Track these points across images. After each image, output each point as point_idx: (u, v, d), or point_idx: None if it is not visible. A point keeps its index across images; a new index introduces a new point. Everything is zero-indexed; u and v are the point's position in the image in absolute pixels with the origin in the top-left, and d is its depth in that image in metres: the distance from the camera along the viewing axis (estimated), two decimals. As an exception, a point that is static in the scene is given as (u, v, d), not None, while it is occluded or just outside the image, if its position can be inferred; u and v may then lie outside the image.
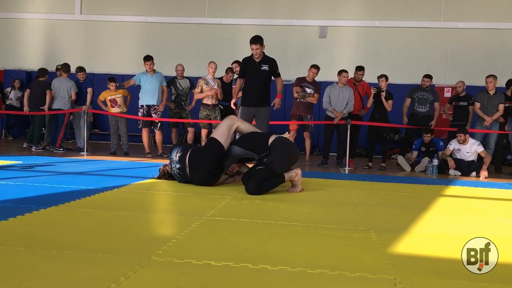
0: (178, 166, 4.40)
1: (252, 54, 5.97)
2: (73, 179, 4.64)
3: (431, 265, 2.17)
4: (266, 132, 4.77)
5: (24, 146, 8.49)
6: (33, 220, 2.73)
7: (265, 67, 5.94)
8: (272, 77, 6.07)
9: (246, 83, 6.07)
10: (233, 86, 7.72)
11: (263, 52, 5.96)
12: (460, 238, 2.78)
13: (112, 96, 8.36)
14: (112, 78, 8.48)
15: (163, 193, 4.10)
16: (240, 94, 6.38)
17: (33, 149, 8.34)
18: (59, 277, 1.79)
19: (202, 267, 1.97)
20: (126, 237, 2.43)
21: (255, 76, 5.96)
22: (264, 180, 4.08)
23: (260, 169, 4.16)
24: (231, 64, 8.35)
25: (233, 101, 6.35)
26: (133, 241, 2.35)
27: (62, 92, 8.35)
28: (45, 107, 8.29)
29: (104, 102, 8.45)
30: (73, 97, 8.38)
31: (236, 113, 6.59)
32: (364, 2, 11.65)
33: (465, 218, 3.51)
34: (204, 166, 4.33)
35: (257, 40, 5.83)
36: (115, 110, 8.35)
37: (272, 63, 5.99)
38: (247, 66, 6.02)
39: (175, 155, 4.45)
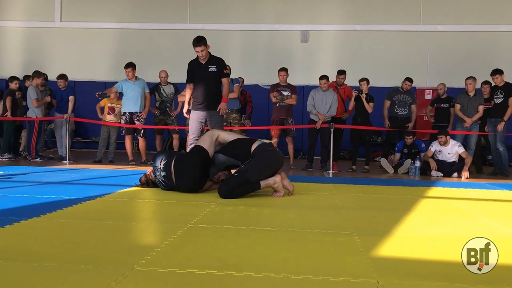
0: (163, 174, 4.37)
1: (197, 56, 5.73)
2: (55, 189, 4.58)
3: (414, 267, 2.19)
4: (250, 138, 4.76)
5: None
6: (14, 232, 2.69)
7: (212, 68, 5.69)
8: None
9: (195, 87, 5.80)
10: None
11: (209, 53, 5.74)
12: (443, 240, 2.82)
13: (112, 105, 8.34)
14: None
15: (146, 201, 4.07)
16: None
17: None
18: (40, 290, 1.76)
19: (186, 276, 1.96)
20: (108, 247, 2.41)
21: (204, 79, 5.72)
22: (236, 187, 4.11)
23: (234, 176, 4.21)
24: None
25: (185, 109, 6.01)
26: (116, 251, 2.33)
27: (28, 101, 8.30)
28: (7, 114, 8.31)
29: (102, 109, 8.40)
30: (34, 104, 8.23)
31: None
32: (345, 7, 11.76)
33: (447, 219, 3.55)
34: (191, 173, 4.31)
35: (200, 41, 5.55)
36: (110, 117, 8.35)
37: (219, 62, 5.76)
38: (194, 70, 5.77)
39: (160, 163, 4.41)
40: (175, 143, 8.46)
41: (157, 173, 4.43)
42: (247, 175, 4.15)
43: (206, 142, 4.42)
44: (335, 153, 7.70)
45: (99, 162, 8.00)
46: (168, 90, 8.40)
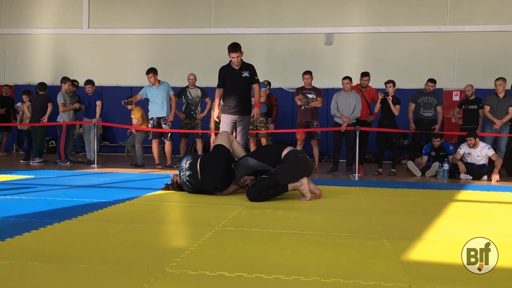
0: (188, 173, 4.45)
1: (230, 62, 5.86)
2: (85, 192, 4.68)
3: (446, 271, 2.16)
4: (281, 144, 4.84)
5: (30, 163, 8.51)
6: (48, 234, 2.76)
7: (246, 74, 5.84)
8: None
9: (227, 92, 5.91)
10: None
11: (241, 59, 5.85)
12: (474, 244, 2.76)
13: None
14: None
15: (174, 204, 4.11)
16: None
17: (31, 162, 8.41)
18: (75, 291, 1.80)
19: (216, 278, 1.98)
20: (139, 250, 2.45)
21: (237, 84, 5.84)
22: (265, 189, 4.17)
23: (264, 178, 4.26)
24: None
25: (216, 114, 6.09)
26: (147, 254, 2.36)
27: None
28: (44, 118, 8.46)
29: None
30: (60, 109, 8.39)
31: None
32: (369, 8, 11.66)
33: (478, 223, 3.48)
34: (216, 170, 4.43)
35: (236, 47, 5.72)
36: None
37: (251, 68, 5.91)
38: (227, 75, 5.88)
39: (185, 163, 4.51)
40: (199, 147, 8.53)
41: (182, 173, 4.52)
42: (276, 177, 4.19)
43: (227, 142, 4.65)
44: (360, 156, 7.64)
45: (136, 166, 8.12)
46: (194, 93, 8.46)
